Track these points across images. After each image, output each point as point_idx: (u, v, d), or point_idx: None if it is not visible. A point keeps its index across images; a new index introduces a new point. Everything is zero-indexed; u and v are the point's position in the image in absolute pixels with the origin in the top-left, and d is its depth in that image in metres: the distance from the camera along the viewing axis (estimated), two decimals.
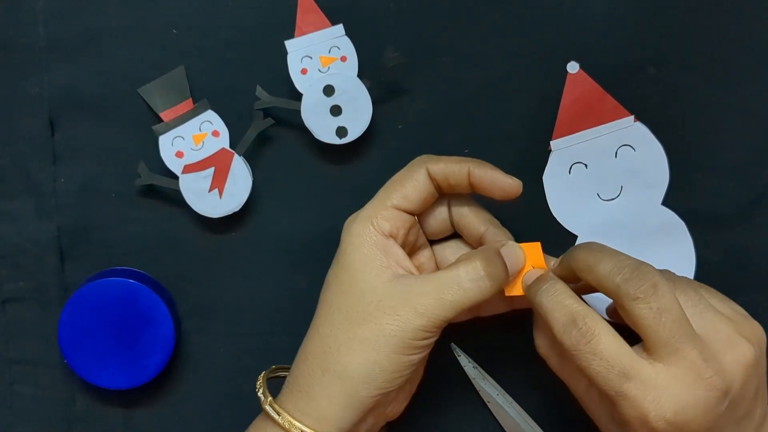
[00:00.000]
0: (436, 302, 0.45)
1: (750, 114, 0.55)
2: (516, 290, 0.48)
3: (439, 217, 0.51)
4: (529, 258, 0.48)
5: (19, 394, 0.58)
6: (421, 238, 0.51)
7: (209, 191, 0.55)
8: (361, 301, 0.46)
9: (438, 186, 0.49)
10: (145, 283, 0.55)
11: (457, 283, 0.46)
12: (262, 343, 0.57)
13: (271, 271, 0.57)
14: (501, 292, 0.48)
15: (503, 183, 0.48)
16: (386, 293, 0.46)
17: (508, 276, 0.47)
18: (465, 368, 0.56)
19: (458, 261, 0.47)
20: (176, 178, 0.55)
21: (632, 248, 0.55)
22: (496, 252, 0.47)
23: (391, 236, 0.48)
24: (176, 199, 0.56)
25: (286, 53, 0.54)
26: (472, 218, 0.51)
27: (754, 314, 0.56)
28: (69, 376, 0.57)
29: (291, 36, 0.55)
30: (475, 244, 0.51)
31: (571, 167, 0.55)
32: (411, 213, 0.49)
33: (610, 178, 0.55)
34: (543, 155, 0.55)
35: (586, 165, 0.55)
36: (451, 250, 0.52)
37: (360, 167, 0.56)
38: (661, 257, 0.55)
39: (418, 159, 0.50)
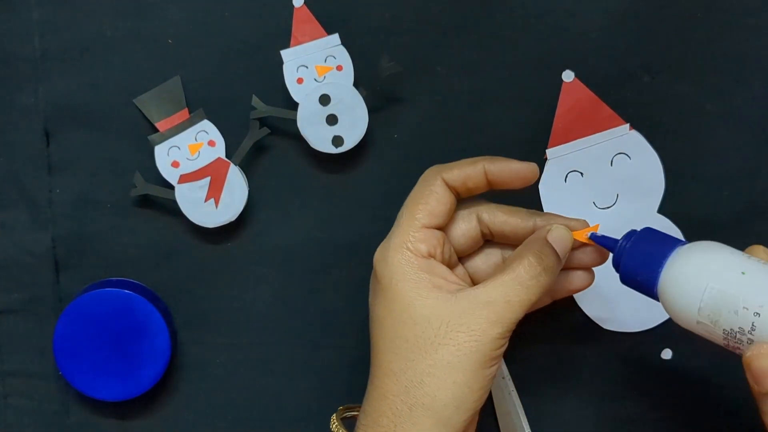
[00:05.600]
0: (505, 307, 0.44)
1: (744, 121, 0.55)
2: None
3: (468, 234, 0.49)
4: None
5: (13, 406, 0.57)
6: (453, 254, 0.49)
7: (205, 201, 0.55)
8: (428, 327, 0.44)
9: (457, 193, 0.48)
10: (141, 294, 0.54)
11: (519, 283, 0.44)
12: (258, 353, 0.57)
13: (267, 281, 0.57)
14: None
15: (522, 171, 0.47)
16: (452, 313, 0.44)
17: (561, 263, 0.46)
18: None
19: (510, 261, 0.46)
20: (172, 188, 0.55)
21: None
22: (544, 242, 0.46)
23: (431, 256, 0.46)
24: (172, 210, 0.55)
25: (281, 63, 0.55)
26: (514, 220, 0.49)
27: None
28: (64, 387, 0.57)
29: (287, 45, 0.55)
30: (520, 243, 0.49)
31: (567, 176, 0.55)
32: (440, 228, 0.47)
33: (606, 187, 0.55)
34: (539, 164, 0.55)
35: (581, 173, 0.55)
36: (481, 260, 0.51)
37: (356, 176, 0.56)
38: None
39: (429, 171, 0.48)
